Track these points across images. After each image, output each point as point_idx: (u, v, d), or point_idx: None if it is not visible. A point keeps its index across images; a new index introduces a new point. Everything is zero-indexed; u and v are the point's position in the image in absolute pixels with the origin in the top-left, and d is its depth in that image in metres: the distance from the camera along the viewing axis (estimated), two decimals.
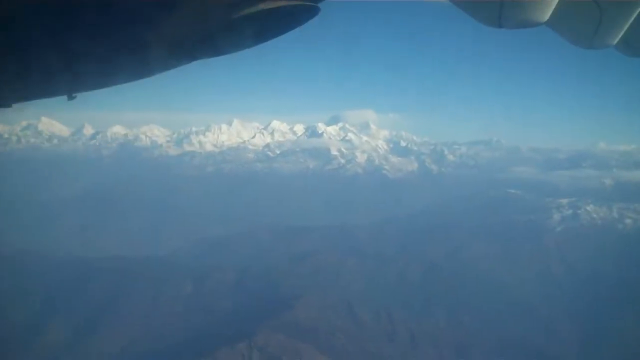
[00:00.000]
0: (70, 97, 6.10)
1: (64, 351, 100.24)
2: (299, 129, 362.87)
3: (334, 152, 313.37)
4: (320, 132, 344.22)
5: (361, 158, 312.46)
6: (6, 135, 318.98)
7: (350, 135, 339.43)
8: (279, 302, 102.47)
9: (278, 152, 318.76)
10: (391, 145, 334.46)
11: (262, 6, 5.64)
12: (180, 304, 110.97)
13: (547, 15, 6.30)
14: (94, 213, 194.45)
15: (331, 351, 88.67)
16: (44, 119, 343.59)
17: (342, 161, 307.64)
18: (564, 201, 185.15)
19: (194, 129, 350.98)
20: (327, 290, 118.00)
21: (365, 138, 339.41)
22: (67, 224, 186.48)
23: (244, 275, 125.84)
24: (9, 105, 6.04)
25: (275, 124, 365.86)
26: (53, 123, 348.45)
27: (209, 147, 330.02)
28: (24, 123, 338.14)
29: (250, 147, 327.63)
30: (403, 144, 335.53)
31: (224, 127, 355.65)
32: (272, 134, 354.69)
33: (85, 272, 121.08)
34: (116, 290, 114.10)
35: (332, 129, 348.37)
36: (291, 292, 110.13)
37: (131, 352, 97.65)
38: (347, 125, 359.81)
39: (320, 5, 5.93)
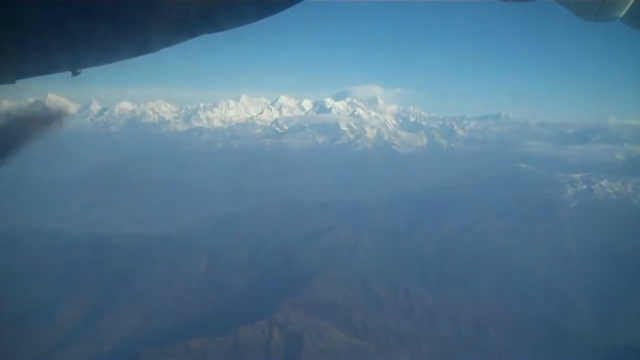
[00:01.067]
0: (75, 73, 6.16)
1: (79, 328, 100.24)
2: (307, 104, 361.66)
3: (343, 127, 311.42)
4: (328, 107, 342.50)
5: (370, 133, 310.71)
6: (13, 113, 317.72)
7: (359, 111, 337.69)
8: (295, 279, 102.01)
9: (286, 127, 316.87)
10: (400, 121, 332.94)
11: None
12: (195, 282, 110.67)
13: None
14: (104, 190, 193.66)
15: (350, 328, 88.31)
16: (50, 95, 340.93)
17: (351, 136, 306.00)
18: (577, 176, 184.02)
19: (201, 104, 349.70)
20: (342, 267, 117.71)
21: (373, 113, 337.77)
22: (79, 201, 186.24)
23: (257, 252, 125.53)
24: (12, 82, 6.13)
25: (283, 99, 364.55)
26: (60, 100, 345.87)
27: (216, 123, 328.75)
28: (31, 100, 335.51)
29: (258, 122, 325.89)
30: (412, 119, 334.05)
31: (232, 102, 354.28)
32: (279, 109, 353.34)
33: (98, 249, 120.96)
34: (129, 267, 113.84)
35: (340, 105, 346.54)
36: (306, 269, 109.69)
37: (148, 328, 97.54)
38: (354, 101, 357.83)
39: None
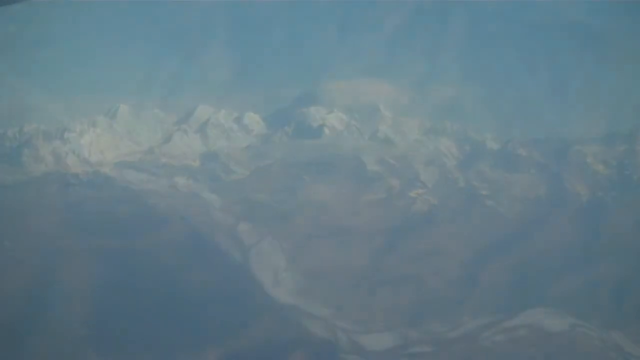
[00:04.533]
0: None
1: None
2: (254, 119, 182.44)
3: (373, 165, 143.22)
4: (316, 124, 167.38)
5: (427, 175, 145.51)
6: None
7: (382, 130, 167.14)
8: None
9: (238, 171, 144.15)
10: (467, 149, 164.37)
11: None
12: None
13: None
14: None
15: None
16: None
17: (394, 183, 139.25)
18: None
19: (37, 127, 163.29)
20: None
21: (417, 136, 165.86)
22: None
23: None
24: None
25: (204, 111, 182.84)
26: None
27: (73, 164, 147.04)
28: None
29: (167, 163, 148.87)
30: (491, 144, 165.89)
31: (103, 121, 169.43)
32: (203, 130, 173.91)
33: None
34: None
35: (334, 117, 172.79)
36: None
37: None
38: (339, 113, 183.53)
39: None
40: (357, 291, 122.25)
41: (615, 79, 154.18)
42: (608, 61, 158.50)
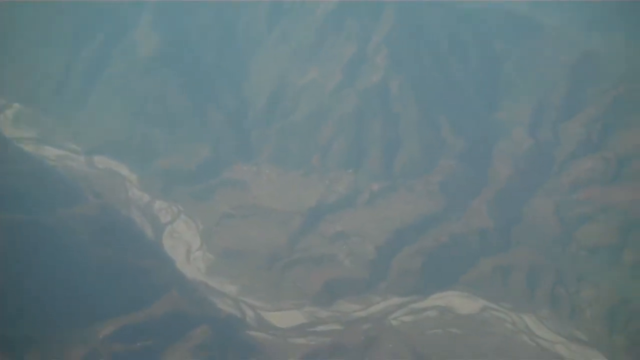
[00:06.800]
0: None
1: None
2: None
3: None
4: None
5: None
6: None
7: None
8: None
9: None
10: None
11: None
12: None
13: None
14: None
15: None
16: None
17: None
18: None
19: None
20: None
21: None
22: None
23: None
24: None
25: None
26: None
27: None
28: None
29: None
30: None
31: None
32: None
33: None
34: None
35: None
36: None
37: None
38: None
39: None
40: (270, 271, 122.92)
41: (545, 67, 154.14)
42: (539, 51, 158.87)
